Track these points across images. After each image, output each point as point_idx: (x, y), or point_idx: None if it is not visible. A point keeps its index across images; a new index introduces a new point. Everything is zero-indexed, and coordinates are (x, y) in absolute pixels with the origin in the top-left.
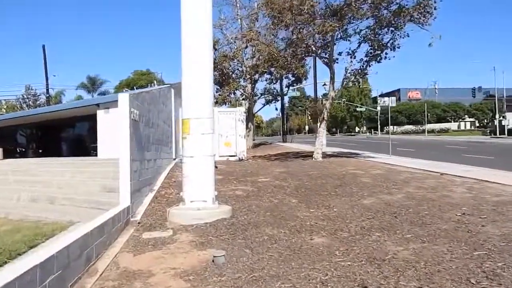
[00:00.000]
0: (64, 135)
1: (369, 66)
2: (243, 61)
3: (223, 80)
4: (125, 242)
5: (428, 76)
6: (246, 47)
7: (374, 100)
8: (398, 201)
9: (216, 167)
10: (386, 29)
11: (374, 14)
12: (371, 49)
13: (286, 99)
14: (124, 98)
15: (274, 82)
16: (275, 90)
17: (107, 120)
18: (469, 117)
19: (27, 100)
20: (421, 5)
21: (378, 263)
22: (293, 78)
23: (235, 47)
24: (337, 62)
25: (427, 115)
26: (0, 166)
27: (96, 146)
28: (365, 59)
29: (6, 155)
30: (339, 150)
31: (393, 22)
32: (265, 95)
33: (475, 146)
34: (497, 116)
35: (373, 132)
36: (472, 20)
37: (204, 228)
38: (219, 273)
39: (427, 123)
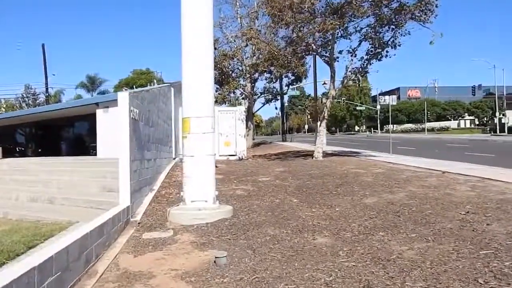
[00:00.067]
0: (64, 134)
1: (370, 64)
2: (243, 60)
3: (222, 79)
4: (125, 243)
5: (427, 74)
6: (246, 45)
7: (374, 99)
8: (400, 200)
9: (216, 166)
10: (387, 27)
11: (375, 12)
12: (371, 47)
13: (285, 98)
14: (123, 96)
15: (274, 81)
16: (274, 89)
17: (107, 119)
18: (469, 115)
19: (26, 99)
20: (422, 2)
21: (383, 263)
22: (293, 77)
23: (235, 46)
24: (338, 61)
25: (427, 113)
26: None
27: (96, 146)
28: (365, 57)
29: (5, 155)
30: (340, 149)
31: (394, 20)
32: (265, 94)
33: (475, 144)
34: (497, 114)
35: (372, 131)
36: (471, 18)
37: (205, 229)
38: (221, 274)
39: (427, 122)
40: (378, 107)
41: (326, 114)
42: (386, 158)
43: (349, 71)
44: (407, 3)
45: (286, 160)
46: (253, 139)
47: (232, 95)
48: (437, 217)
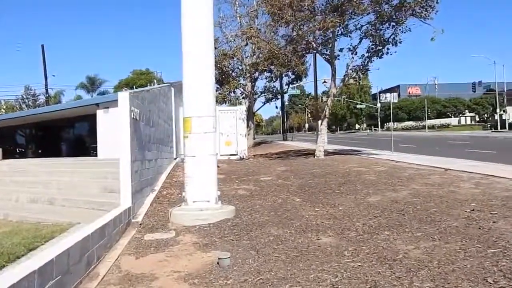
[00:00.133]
0: (64, 135)
1: (371, 62)
2: (243, 59)
3: (223, 78)
4: (127, 244)
5: (427, 71)
6: (246, 44)
7: (374, 97)
8: (404, 198)
9: (217, 166)
10: (387, 24)
11: (375, 9)
12: (372, 44)
13: (286, 97)
14: (124, 96)
15: (274, 80)
16: (275, 88)
17: (107, 119)
18: (470, 112)
19: (26, 101)
20: None
21: (389, 263)
22: (293, 76)
23: (235, 45)
24: (338, 59)
25: (427, 110)
26: None
27: (96, 146)
28: (366, 55)
29: (6, 156)
30: (341, 147)
31: (394, 17)
32: (265, 93)
33: (476, 141)
34: (497, 110)
35: (373, 129)
36: (471, 14)
37: (207, 229)
38: (224, 276)
39: (427, 119)
40: (379, 105)
41: (327, 113)
42: (388, 156)
43: (350, 69)
44: None
45: (288, 159)
46: (254, 138)
47: (232, 94)
48: (442, 215)
